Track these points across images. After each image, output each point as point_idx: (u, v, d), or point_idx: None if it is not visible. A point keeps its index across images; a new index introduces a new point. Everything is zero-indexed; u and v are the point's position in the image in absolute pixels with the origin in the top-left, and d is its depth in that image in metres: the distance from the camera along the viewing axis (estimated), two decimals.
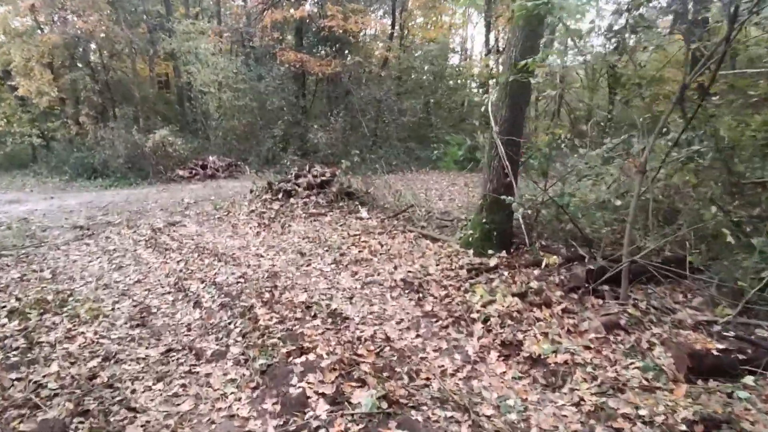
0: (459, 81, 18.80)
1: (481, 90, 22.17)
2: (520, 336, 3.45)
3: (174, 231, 7.21)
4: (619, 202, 5.31)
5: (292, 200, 8.00)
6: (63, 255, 6.24)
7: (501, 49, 22.62)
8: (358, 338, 3.63)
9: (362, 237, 6.34)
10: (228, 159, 15.21)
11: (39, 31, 16.05)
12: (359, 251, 5.78)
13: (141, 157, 14.16)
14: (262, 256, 5.84)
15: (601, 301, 3.88)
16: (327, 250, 5.89)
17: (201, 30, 16.16)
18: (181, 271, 5.35)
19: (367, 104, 17.15)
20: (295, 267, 5.39)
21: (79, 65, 16.41)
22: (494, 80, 21.36)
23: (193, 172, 14.29)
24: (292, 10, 16.62)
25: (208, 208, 8.79)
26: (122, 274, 5.48)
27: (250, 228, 7.14)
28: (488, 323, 3.65)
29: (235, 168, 14.95)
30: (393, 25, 20.38)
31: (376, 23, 20.31)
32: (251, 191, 9.26)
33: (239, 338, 3.72)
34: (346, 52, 18.63)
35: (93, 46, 17.07)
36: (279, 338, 3.61)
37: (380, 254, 5.63)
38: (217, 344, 3.65)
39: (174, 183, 13.68)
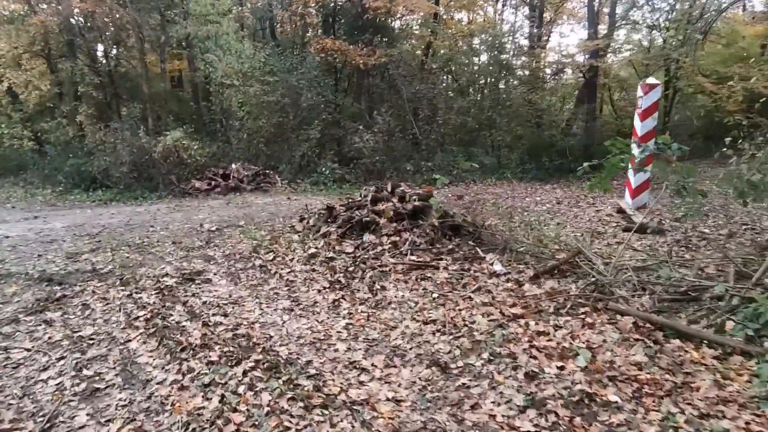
0: (525, 73, 15.89)
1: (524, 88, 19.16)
2: None
3: (194, 295, 4.42)
4: None
5: (371, 238, 5.19)
6: (0, 350, 3.49)
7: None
8: None
9: (530, 321, 3.50)
10: (254, 167, 12.48)
11: (33, 15, 13.49)
12: (559, 366, 2.94)
13: (149, 165, 11.50)
14: (362, 369, 3.03)
15: None
16: (491, 360, 3.06)
17: (221, 11, 13.46)
18: (212, 422, 2.55)
19: (420, 101, 14.34)
20: (452, 414, 2.57)
21: (78, 55, 13.78)
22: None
23: (212, 183, 11.57)
24: None
25: (243, 244, 6.00)
26: (95, 415, 2.71)
27: (319, 291, 4.34)
28: None
29: (264, 178, 12.21)
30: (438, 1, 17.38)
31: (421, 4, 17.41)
32: (302, 219, 6.47)
33: None
34: (386, 40, 15.92)
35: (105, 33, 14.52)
36: None
37: (614, 380, 2.77)
38: None
39: (189, 197, 10.97)
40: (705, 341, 3.04)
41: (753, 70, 17.71)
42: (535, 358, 3.03)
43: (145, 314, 3.94)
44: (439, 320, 3.58)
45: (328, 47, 14.17)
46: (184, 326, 3.73)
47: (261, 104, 12.82)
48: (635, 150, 7.95)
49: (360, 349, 3.30)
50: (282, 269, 4.93)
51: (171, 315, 3.92)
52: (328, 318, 3.80)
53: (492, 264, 4.48)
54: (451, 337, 3.38)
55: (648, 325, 3.28)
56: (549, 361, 2.98)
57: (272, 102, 12.73)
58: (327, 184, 12.35)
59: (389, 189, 5.79)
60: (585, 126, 14.61)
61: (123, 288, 4.59)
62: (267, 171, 12.47)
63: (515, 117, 14.21)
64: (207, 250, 5.94)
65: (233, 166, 12.20)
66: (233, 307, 4.10)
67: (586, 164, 5.37)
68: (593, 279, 3.89)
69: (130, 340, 3.57)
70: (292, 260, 5.14)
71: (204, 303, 4.20)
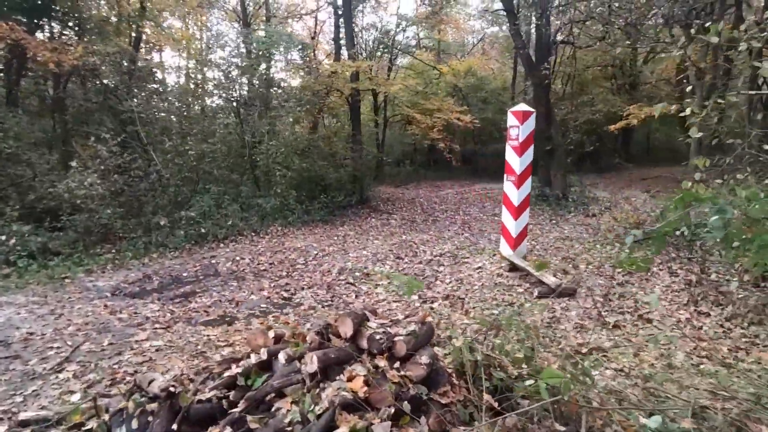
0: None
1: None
2: None
3: None
4: None
5: None
6: None
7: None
8: None
9: None
10: None
11: None
12: None
13: None
14: None
15: None
16: None
17: None
18: None
19: (154, 124, 10.09)
20: None
21: None
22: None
23: None
24: None
25: None
26: None
27: None
28: None
29: None
30: None
31: None
32: None
33: None
34: (78, 29, 10.94)
35: None
36: None
37: None
38: None
39: None
40: None
41: (444, 103, 20.08)
42: None
43: None
44: None
45: None
46: None
47: None
48: (509, 188, 6.77)
49: None
50: None
51: None
52: None
53: None
54: None
55: None
56: None
57: None
58: (18, 264, 6.99)
59: (347, 332, 2.52)
60: (353, 156, 13.27)
61: None
62: None
63: (289, 146, 11.61)
64: None
65: None
66: None
67: (636, 232, 3.49)
68: None
69: None
70: None
71: None
